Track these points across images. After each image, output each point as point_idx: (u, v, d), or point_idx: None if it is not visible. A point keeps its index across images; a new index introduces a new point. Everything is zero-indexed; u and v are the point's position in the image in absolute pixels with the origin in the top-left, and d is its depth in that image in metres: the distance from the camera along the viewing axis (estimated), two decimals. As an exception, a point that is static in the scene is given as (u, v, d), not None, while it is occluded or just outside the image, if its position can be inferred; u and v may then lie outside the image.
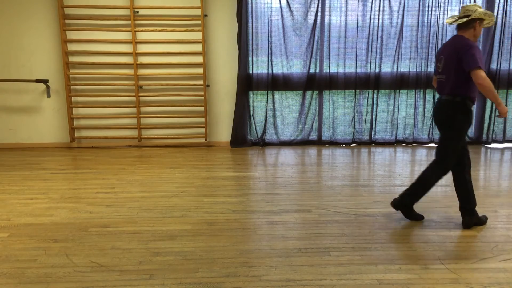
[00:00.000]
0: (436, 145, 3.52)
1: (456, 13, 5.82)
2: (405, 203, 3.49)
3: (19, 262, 2.82)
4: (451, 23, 3.40)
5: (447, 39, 5.91)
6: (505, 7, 5.81)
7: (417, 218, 3.53)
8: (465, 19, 3.27)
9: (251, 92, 6.05)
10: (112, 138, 6.06)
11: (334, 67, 6.00)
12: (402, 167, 5.09)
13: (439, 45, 5.89)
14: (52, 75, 5.88)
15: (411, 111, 6.13)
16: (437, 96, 3.60)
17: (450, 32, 5.88)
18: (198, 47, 5.85)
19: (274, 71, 5.97)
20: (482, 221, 3.44)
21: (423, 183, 3.46)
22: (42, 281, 2.59)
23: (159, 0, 5.71)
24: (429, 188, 3.46)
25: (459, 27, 3.34)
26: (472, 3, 5.69)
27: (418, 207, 3.81)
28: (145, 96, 5.96)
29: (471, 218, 3.39)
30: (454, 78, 3.25)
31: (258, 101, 6.11)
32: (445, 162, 3.40)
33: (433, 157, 3.81)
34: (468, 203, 3.39)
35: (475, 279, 2.61)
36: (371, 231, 3.30)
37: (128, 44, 5.81)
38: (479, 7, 3.33)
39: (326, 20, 5.85)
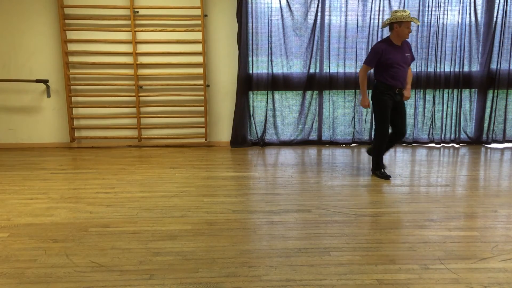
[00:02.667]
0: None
1: (456, 13, 5.84)
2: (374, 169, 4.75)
3: (19, 262, 2.82)
4: (382, 28, 4.64)
5: (447, 39, 5.94)
6: (505, 7, 5.81)
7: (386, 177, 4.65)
8: (387, 24, 4.35)
9: (251, 92, 6.05)
10: (112, 138, 6.06)
11: (334, 67, 6.00)
12: (402, 167, 5.09)
13: (439, 45, 5.89)
14: (52, 75, 5.88)
15: (411, 111, 6.12)
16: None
17: (450, 31, 5.88)
18: (198, 47, 5.85)
19: (274, 71, 5.97)
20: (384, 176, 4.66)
21: (377, 150, 4.65)
22: (42, 281, 2.59)
23: (159, 0, 5.71)
24: (384, 150, 4.70)
25: (389, 30, 4.42)
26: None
27: (418, 206, 3.82)
28: (145, 96, 5.96)
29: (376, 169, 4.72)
30: (375, 69, 4.51)
31: (258, 101, 6.11)
32: (378, 127, 4.56)
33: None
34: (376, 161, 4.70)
35: (475, 279, 2.61)
36: (371, 231, 3.30)
37: (128, 44, 5.81)
38: (404, 11, 4.25)
39: (326, 20, 5.84)
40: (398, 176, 4.74)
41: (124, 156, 5.60)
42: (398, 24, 4.29)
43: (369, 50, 4.54)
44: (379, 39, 5.88)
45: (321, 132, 6.19)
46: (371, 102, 4.64)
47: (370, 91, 4.75)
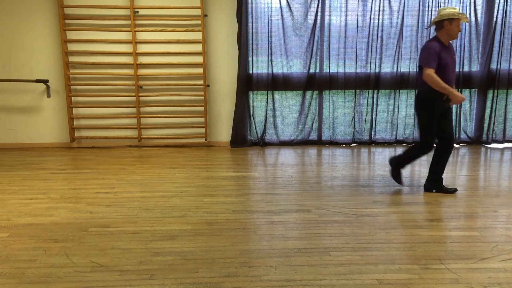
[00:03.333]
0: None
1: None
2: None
3: (19, 262, 2.82)
4: (428, 27, 4.12)
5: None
6: (505, 7, 5.81)
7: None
8: (436, 22, 3.90)
9: (251, 92, 6.05)
10: (112, 138, 6.06)
11: (334, 67, 6.00)
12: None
13: (439, 45, 5.89)
14: (52, 75, 5.89)
15: (411, 111, 6.12)
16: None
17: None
18: (198, 47, 5.85)
19: (274, 71, 5.97)
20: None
21: (411, 156, 4.29)
22: (42, 281, 2.59)
23: (159, 0, 5.71)
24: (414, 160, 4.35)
25: (435, 29, 3.97)
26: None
27: (418, 206, 3.82)
28: (145, 96, 5.96)
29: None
30: (419, 74, 3.99)
31: (258, 101, 6.11)
32: (424, 140, 4.13)
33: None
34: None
35: (475, 279, 2.61)
36: (371, 231, 3.30)
37: (128, 44, 5.81)
38: (453, 9, 3.86)
39: (326, 20, 5.84)
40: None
41: (124, 156, 5.60)
42: (449, 22, 3.83)
43: (422, 51, 3.90)
44: (379, 39, 5.89)
45: (321, 132, 6.19)
46: (416, 113, 4.18)
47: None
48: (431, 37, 4.17)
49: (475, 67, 6.03)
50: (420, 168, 5.08)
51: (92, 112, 5.99)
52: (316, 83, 6.02)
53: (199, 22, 5.77)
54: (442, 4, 5.78)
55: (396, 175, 4.34)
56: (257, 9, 5.79)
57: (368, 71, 5.99)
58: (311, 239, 3.16)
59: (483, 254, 2.92)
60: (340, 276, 2.64)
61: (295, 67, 6.00)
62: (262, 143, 6.13)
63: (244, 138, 6.12)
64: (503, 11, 5.82)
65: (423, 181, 4.57)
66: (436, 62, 3.82)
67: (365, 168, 5.06)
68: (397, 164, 4.32)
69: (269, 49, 5.89)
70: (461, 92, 6.04)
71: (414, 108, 4.22)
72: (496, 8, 5.82)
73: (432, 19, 4.05)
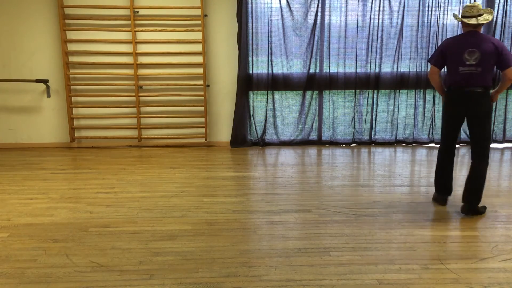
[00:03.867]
0: (474, 139, 3.64)
1: (456, 13, 5.82)
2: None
3: (19, 262, 2.82)
4: (484, 23, 3.51)
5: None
6: (505, 7, 5.81)
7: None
8: (490, 17, 3.51)
9: (251, 92, 6.05)
10: (112, 138, 6.06)
11: (334, 67, 6.00)
12: (402, 167, 5.09)
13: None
14: (52, 75, 5.88)
15: (411, 111, 6.13)
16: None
17: (450, 32, 5.87)
18: (198, 47, 5.85)
19: (274, 71, 5.97)
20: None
21: (485, 176, 3.65)
22: (42, 281, 2.59)
23: (159, 0, 5.71)
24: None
25: (475, 26, 3.55)
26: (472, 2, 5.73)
27: (418, 206, 3.81)
28: (145, 96, 5.96)
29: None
30: (490, 72, 3.51)
31: (258, 101, 6.11)
32: (489, 145, 3.64)
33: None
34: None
35: (475, 279, 2.61)
36: (371, 231, 3.30)
37: (128, 44, 5.81)
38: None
39: (326, 20, 5.85)
40: (398, 176, 4.74)
41: (124, 156, 5.60)
42: None
43: (503, 49, 3.46)
44: (379, 39, 5.89)
45: (321, 132, 6.20)
46: (484, 116, 3.56)
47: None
48: (456, 34, 3.98)
49: (475, 67, 6.02)
50: (420, 168, 5.08)
51: (92, 112, 5.99)
52: (316, 83, 6.02)
53: (199, 22, 5.77)
54: (442, 4, 5.78)
55: (479, 209, 3.62)
56: (257, 9, 5.80)
57: (368, 71, 5.99)
58: (311, 239, 3.16)
59: (483, 254, 2.92)
60: (340, 276, 2.64)
61: (295, 67, 6.00)
62: (262, 143, 6.13)
63: (244, 138, 6.12)
64: (503, 11, 5.82)
65: (423, 181, 4.57)
66: None
67: (365, 168, 5.06)
68: (477, 202, 3.61)
69: (269, 49, 5.89)
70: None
71: (480, 111, 3.54)
72: (496, 8, 5.82)
73: (486, 16, 3.54)
